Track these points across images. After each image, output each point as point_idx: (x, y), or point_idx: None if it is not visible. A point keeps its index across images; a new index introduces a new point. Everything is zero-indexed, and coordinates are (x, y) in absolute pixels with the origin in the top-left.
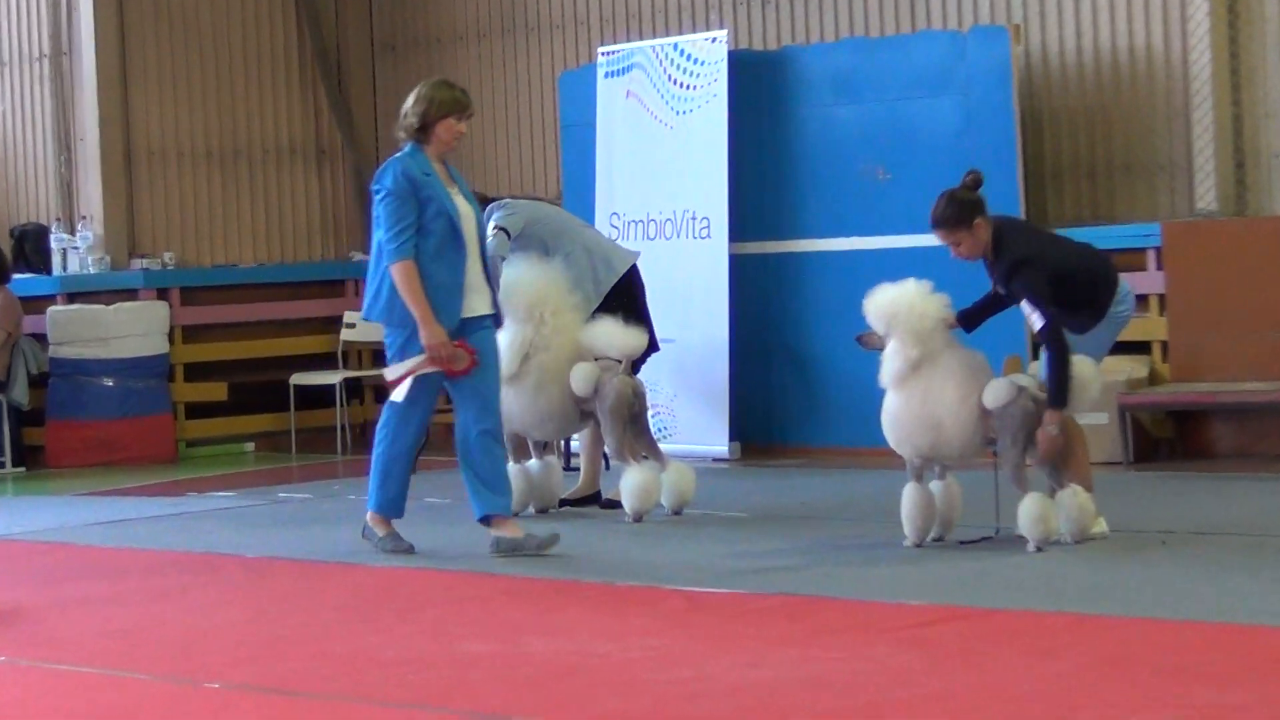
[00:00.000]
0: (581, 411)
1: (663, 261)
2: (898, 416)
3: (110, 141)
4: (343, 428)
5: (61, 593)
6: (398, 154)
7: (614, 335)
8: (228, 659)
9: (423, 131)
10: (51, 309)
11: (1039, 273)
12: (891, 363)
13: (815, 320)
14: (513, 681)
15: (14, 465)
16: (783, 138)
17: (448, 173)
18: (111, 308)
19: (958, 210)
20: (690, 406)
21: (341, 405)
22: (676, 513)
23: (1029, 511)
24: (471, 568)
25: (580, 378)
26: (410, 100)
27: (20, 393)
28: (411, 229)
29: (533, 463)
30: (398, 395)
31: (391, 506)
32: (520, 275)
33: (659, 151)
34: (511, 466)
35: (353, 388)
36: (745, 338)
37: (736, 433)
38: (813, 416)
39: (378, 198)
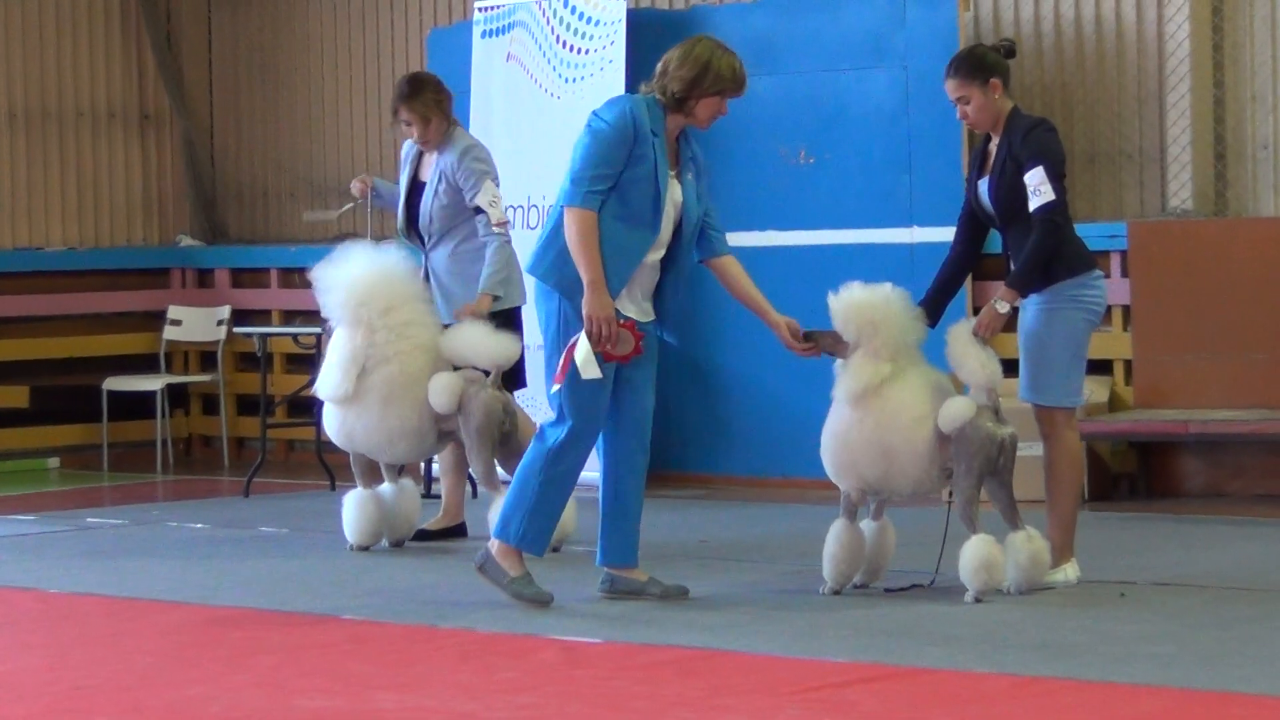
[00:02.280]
0: (440, 431)
1: None
2: (847, 441)
3: None
4: (164, 442)
5: None
6: (638, 95)
7: (480, 342)
8: (25, 712)
9: (681, 104)
10: None
11: (1058, 141)
12: (857, 377)
13: (721, 329)
14: None
15: None
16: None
17: (681, 153)
18: None
19: (976, 61)
20: None
21: (163, 416)
22: (555, 549)
23: (973, 556)
24: (312, 609)
25: (440, 391)
26: (676, 56)
27: None
28: (607, 181)
29: (385, 487)
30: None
31: (537, 541)
32: (341, 268)
33: (543, 125)
34: (359, 492)
35: (177, 396)
36: None
37: None
38: (715, 441)
39: (586, 130)
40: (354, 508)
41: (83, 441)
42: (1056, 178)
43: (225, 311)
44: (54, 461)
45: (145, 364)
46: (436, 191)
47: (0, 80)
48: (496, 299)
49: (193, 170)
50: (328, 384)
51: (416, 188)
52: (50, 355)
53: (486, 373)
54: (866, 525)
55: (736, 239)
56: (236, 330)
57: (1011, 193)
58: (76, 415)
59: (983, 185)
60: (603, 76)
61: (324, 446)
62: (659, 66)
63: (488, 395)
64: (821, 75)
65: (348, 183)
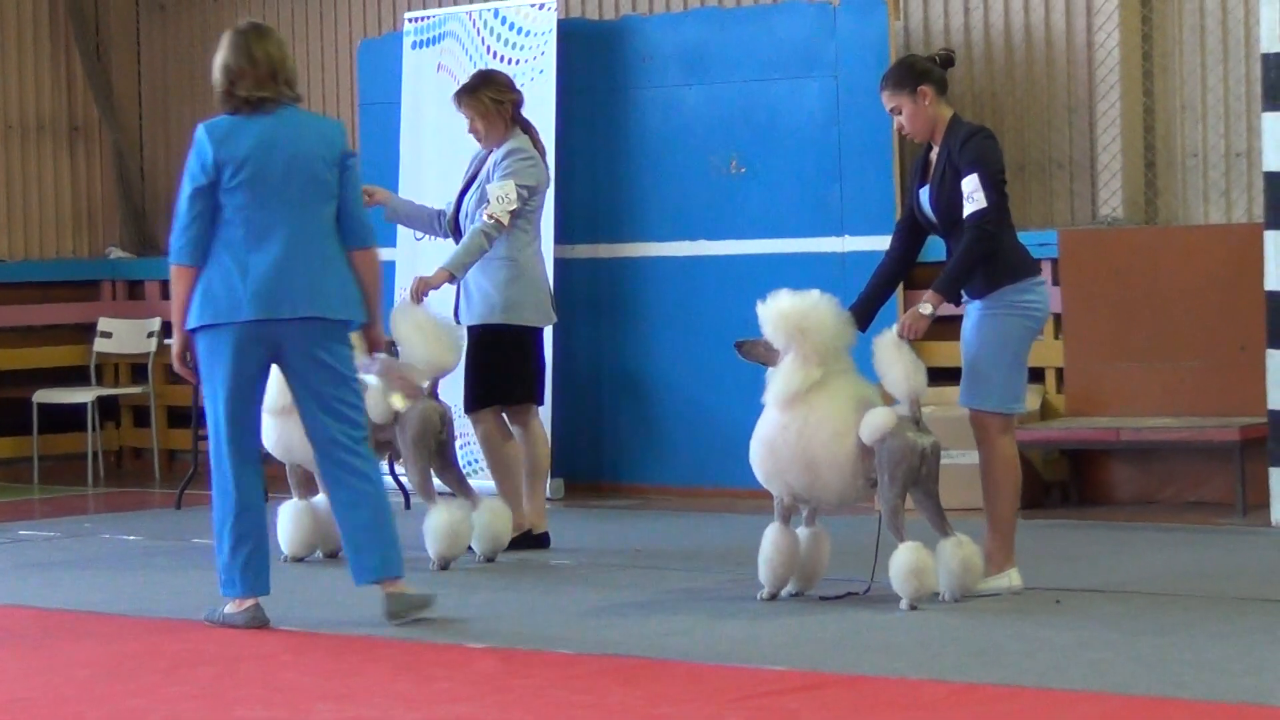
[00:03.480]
0: (377, 441)
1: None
2: (773, 448)
3: None
4: (95, 455)
5: None
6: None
7: (416, 346)
8: None
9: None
10: None
11: (997, 147)
12: (787, 381)
13: (653, 338)
14: None
15: None
16: (620, 122)
17: None
18: None
19: (905, 71)
20: None
21: (94, 429)
22: (489, 559)
23: (902, 564)
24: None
25: (378, 402)
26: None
27: None
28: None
29: (320, 499)
30: None
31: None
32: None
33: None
34: (294, 504)
35: (108, 408)
36: (571, 357)
37: (559, 468)
38: (648, 451)
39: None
40: (289, 519)
41: (13, 454)
42: (992, 185)
43: (156, 323)
44: None
45: (76, 376)
46: (480, 191)
47: None
48: (453, 278)
49: (123, 182)
50: (268, 395)
51: (468, 185)
52: None
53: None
54: (801, 532)
55: (668, 248)
56: (167, 342)
57: (951, 200)
58: (6, 428)
59: (923, 193)
60: (533, 87)
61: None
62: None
63: (425, 406)
64: (752, 85)
65: None
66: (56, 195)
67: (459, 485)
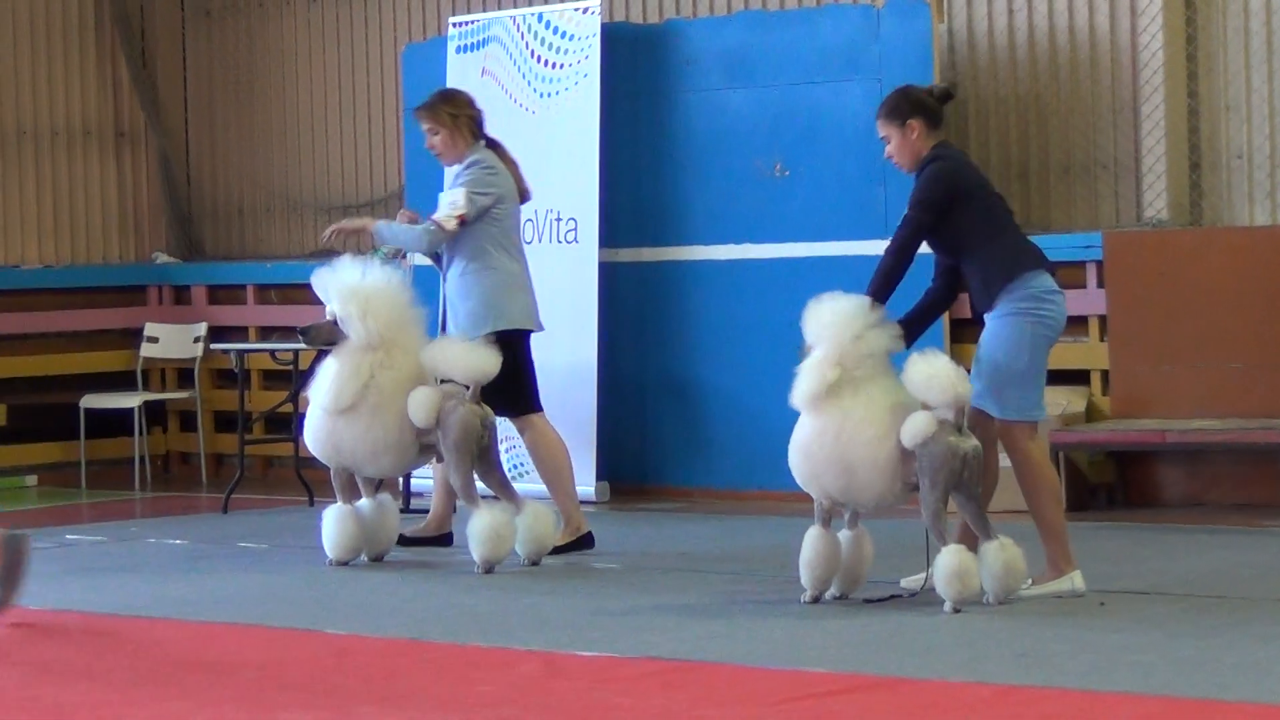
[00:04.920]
0: (422, 445)
1: None
2: (808, 452)
3: None
4: (142, 459)
5: None
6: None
7: (459, 355)
8: None
9: None
10: None
11: (942, 170)
12: (806, 380)
13: (697, 341)
14: None
15: None
16: (664, 126)
17: None
18: None
19: (897, 102)
20: None
21: (141, 433)
22: (534, 563)
23: (945, 567)
24: (292, 624)
25: (420, 405)
26: None
27: None
28: None
29: (364, 502)
30: None
31: None
32: (374, 289)
33: (518, 140)
34: (339, 508)
35: (154, 413)
36: (616, 361)
37: (605, 471)
38: (693, 454)
39: None
40: (333, 523)
41: (60, 459)
42: (918, 201)
43: (202, 328)
44: (31, 479)
45: (122, 381)
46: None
47: None
48: (376, 249)
49: (169, 187)
50: (328, 395)
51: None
52: (27, 373)
53: (465, 387)
54: (843, 535)
55: (712, 252)
56: (214, 347)
57: (932, 232)
58: (54, 433)
59: None
60: (578, 91)
61: (302, 462)
62: None
63: (466, 410)
64: (796, 88)
65: (323, 198)
66: (103, 201)
67: (502, 488)
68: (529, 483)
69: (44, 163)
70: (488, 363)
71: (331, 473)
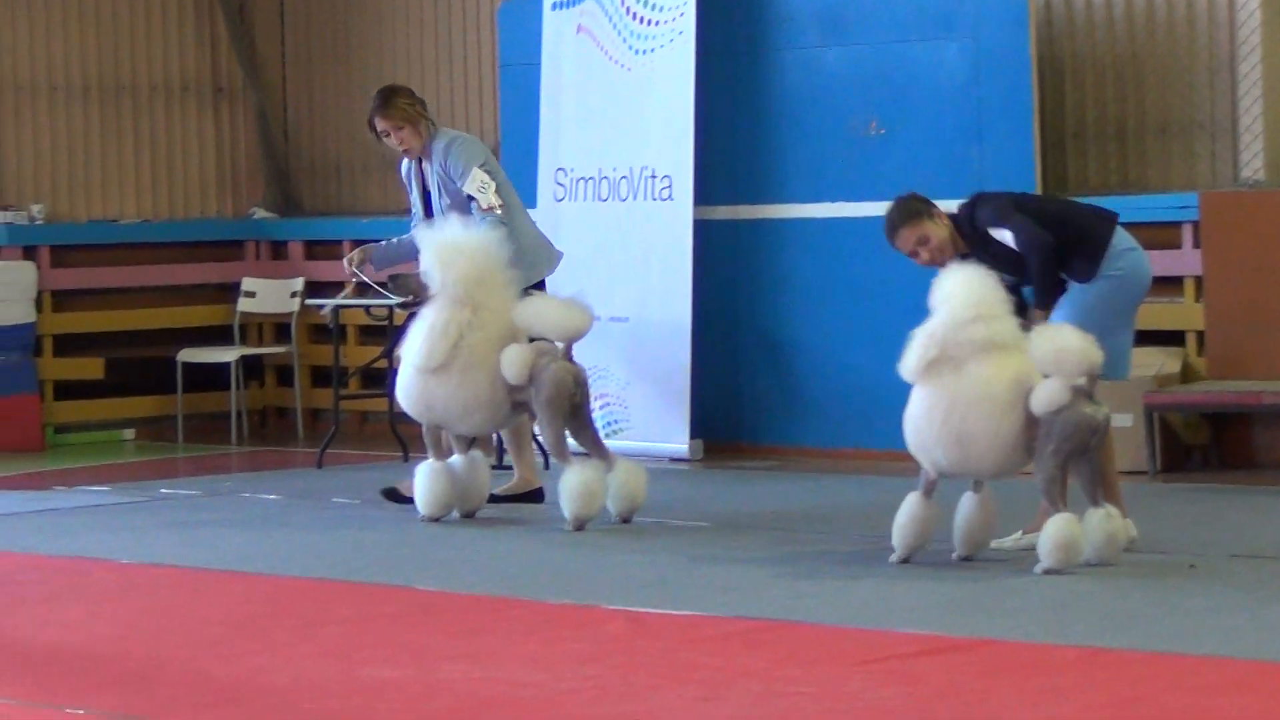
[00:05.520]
0: (514, 402)
1: (616, 227)
2: (918, 426)
3: None
4: (238, 414)
5: None
6: None
7: (551, 313)
8: (95, 681)
9: None
10: None
11: (999, 198)
12: (910, 353)
13: (791, 299)
14: (425, 714)
15: None
16: (760, 85)
17: None
18: None
19: (913, 201)
20: (645, 397)
21: (237, 388)
22: (625, 520)
23: (1055, 534)
24: (382, 579)
25: (512, 363)
26: None
27: None
28: None
29: (456, 459)
30: None
31: None
32: (459, 244)
33: (614, 98)
34: (431, 464)
35: (251, 367)
36: (711, 318)
37: (698, 429)
38: (787, 412)
39: None
40: (425, 479)
41: (158, 413)
42: (1009, 218)
43: (299, 283)
44: (129, 433)
45: (220, 336)
46: (440, 194)
47: (75, 55)
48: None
49: (266, 143)
50: (420, 352)
51: (428, 200)
52: (126, 327)
53: (556, 344)
54: (967, 498)
55: (807, 210)
56: (309, 302)
57: (995, 260)
58: (152, 387)
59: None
60: (673, 48)
61: (397, 418)
62: None
63: (558, 367)
64: (892, 46)
65: None
66: (201, 156)
67: (595, 446)
68: (622, 439)
69: (143, 118)
70: (581, 320)
71: (425, 429)
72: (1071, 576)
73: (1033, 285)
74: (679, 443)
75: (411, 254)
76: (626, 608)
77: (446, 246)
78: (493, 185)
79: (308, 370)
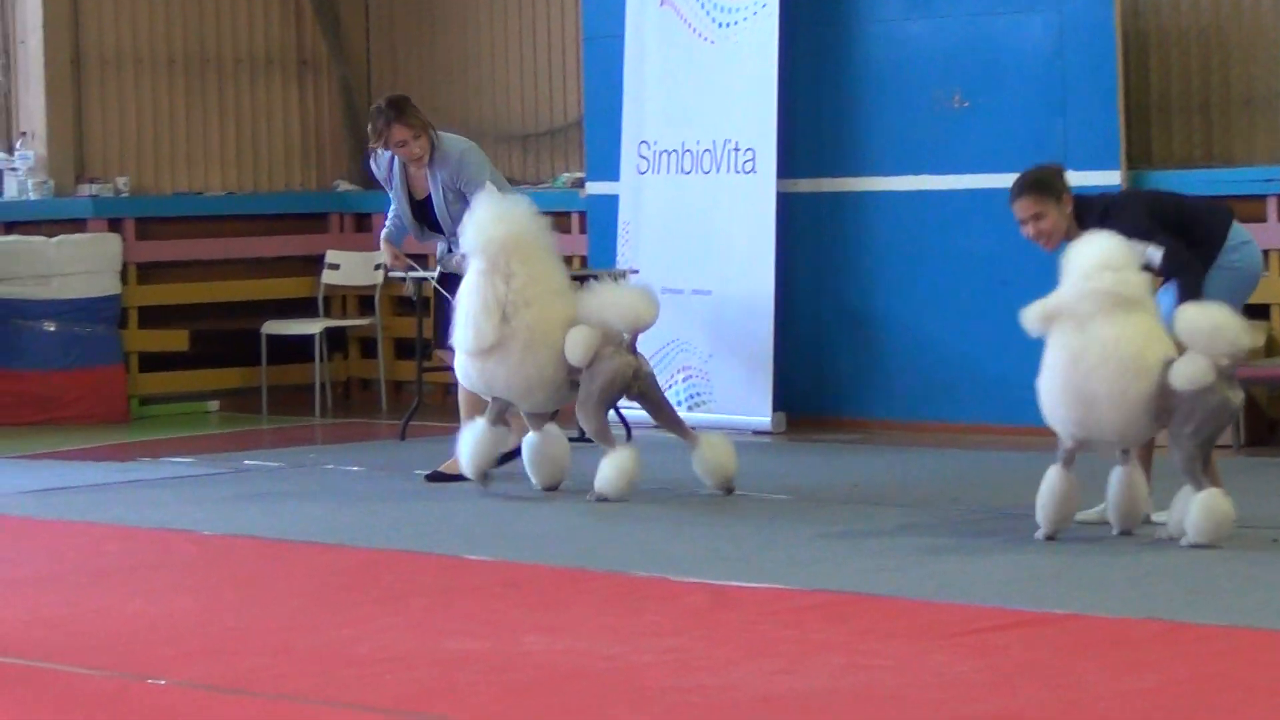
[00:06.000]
0: (571, 381)
1: (699, 200)
2: (1046, 386)
3: (55, 45)
4: (322, 386)
5: None
6: None
7: (620, 300)
8: (177, 652)
9: None
10: None
11: (1135, 204)
12: (1031, 306)
13: (875, 272)
14: (507, 686)
15: None
16: (843, 57)
17: None
18: (54, 240)
19: (1051, 176)
20: (728, 370)
21: (322, 360)
22: (727, 491)
23: (1208, 509)
24: (464, 551)
25: (578, 345)
26: None
27: None
28: None
29: (532, 435)
30: None
31: None
32: (484, 212)
33: (698, 71)
34: (478, 424)
35: (335, 339)
36: (794, 291)
37: (780, 402)
38: (870, 385)
39: None
40: (472, 439)
41: (242, 385)
42: (1154, 232)
43: (382, 256)
44: (213, 405)
45: (304, 308)
46: (444, 200)
47: (160, 28)
48: None
49: (350, 116)
50: (469, 336)
51: (416, 202)
52: (210, 299)
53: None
54: (1116, 472)
55: (891, 183)
56: (393, 275)
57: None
58: (236, 359)
59: None
60: (756, 21)
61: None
62: None
63: (622, 360)
64: (976, 19)
65: (503, 128)
66: (285, 129)
67: (676, 427)
68: (705, 413)
69: (227, 91)
70: (649, 310)
71: (490, 402)
72: (1153, 551)
73: (1179, 294)
74: (762, 416)
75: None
76: (708, 580)
77: (484, 215)
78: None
79: (391, 342)
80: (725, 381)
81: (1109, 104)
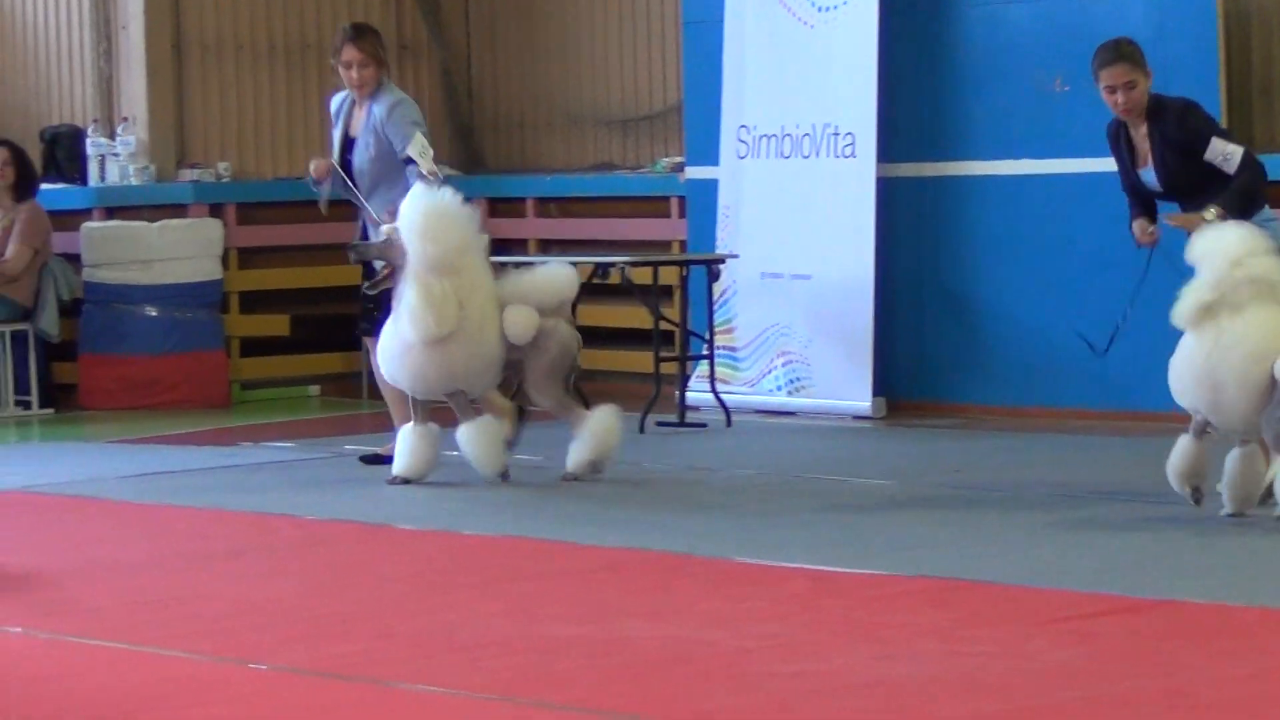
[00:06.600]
0: (507, 360)
1: (799, 184)
2: (1178, 368)
3: (157, 31)
4: None
5: (89, 555)
6: None
7: (540, 280)
8: (277, 637)
9: None
10: (86, 225)
11: (1203, 110)
12: (1183, 300)
13: (977, 256)
14: (607, 671)
15: (41, 406)
16: (944, 40)
17: None
18: (156, 225)
19: (1139, 48)
20: (828, 355)
21: None
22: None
23: None
24: (565, 536)
25: (520, 323)
26: None
27: (49, 322)
28: None
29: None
30: None
31: None
32: (446, 215)
33: (797, 54)
34: (417, 427)
35: None
36: (894, 276)
37: (881, 387)
38: (971, 370)
39: None
40: (413, 441)
41: (343, 369)
42: (1230, 138)
43: (483, 240)
44: (314, 389)
45: None
46: (368, 144)
47: (260, 13)
48: None
49: (450, 100)
50: (427, 324)
51: (348, 144)
52: (311, 284)
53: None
54: (1233, 454)
55: (991, 166)
56: (493, 259)
57: (1182, 174)
58: (337, 344)
59: (1145, 174)
60: (856, 4)
61: (580, 375)
62: None
63: (566, 331)
64: (1076, 2)
65: (602, 111)
66: None
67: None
68: (804, 397)
69: (328, 76)
70: (570, 284)
71: (410, 401)
72: (1254, 535)
73: (1232, 190)
74: (862, 400)
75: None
76: (809, 565)
77: (435, 217)
78: (431, 152)
79: None
80: (825, 366)
81: (1210, 87)
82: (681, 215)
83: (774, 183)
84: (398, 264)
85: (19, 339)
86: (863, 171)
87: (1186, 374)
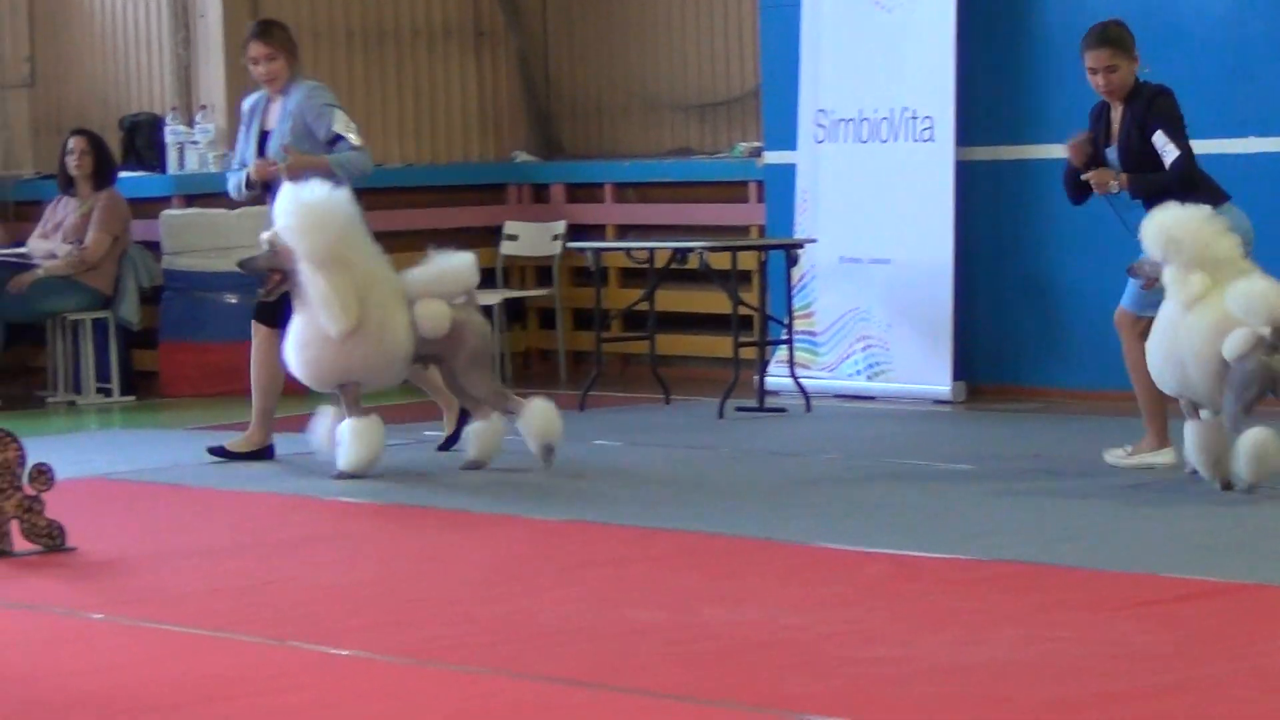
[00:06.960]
0: (419, 354)
1: (877, 168)
2: (1150, 346)
3: (235, 19)
4: (502, 356)
5: (170, 542)
6: None
7: (445, 269)
8: (357, 623)
9: None
10: (165, 213)
11: (1175, 102)
12: (1181, 291)
13: (1056, 240)
14: (686, 657)
15: (122, 393)
16: (1022, 24)
17: None
18: (235, 212)
19: (1128, 33)
20: (907, 339)
21: (500, 330)
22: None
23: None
24: (642, 522)
25: (431, 316)
26: None
27: (129, 310)
28: None
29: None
30: None
31: None
32: (323, 207)
33: (875, 38)
34: (361, 420)
35: (514, 310)
36: (973, 260)
37: (961, 371)
38: (1051, 353)
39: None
40: (360, 433)
41: None
42: (1181, 135)
43: (561, 226)
44: None
45: (483, 279)
46: (284, 134)
47: (338, 1)
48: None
49: (528, 86)
50: (335, 319)
51: (264, 140)
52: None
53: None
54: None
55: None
56: (571, 245)
57: (1139, 155)
58: None
59: (1110, 152)
60: None
61: (659, 360)
62: None
63: (479, 320)
64: None
65: (680, 96)
66: (463, 100)
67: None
68: (884, 381)
69: (405, 63)
70: (472, 274)
71: (343, 391)
72: None
73: (1154, 176)
74: (942, 385)
75: (365, 168)
76: (888, 551)
77: (313, 212)
78: (355, 125)
79: (570, 313)
80: (905, 350)
81: None
82: (760, 200)
83: (852, 167)
84: (287, 268)
85: (100, 326)
86: (941, 155)
87: (1155, 352)
